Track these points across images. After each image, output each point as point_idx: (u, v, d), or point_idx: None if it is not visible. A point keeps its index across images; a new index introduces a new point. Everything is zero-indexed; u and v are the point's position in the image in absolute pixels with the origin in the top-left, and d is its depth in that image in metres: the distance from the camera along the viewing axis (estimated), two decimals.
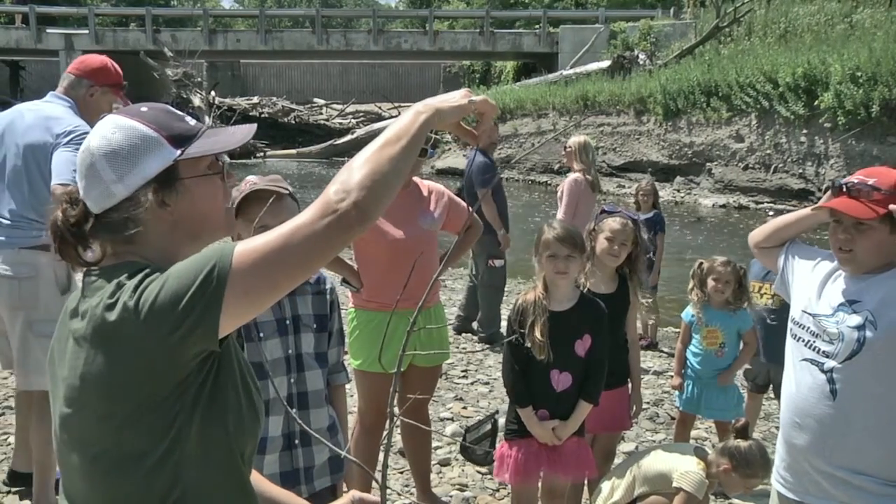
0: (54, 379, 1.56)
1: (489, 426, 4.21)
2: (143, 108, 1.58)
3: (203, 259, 1.39)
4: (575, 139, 7.46)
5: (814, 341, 2.50)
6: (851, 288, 2.46)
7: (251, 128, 1.67)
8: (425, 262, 3.94)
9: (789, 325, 2.65)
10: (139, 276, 1.43)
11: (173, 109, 1.62)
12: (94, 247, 1.54)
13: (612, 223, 3.80)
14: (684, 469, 3.51)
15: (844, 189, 2.42)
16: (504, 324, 6.50)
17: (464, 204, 4.23)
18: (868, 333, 2.37)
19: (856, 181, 2.41)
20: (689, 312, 4.63)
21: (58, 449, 1.58)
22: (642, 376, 6.47)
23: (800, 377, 2.54)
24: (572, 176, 7.16)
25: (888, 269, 2.43)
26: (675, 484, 3.49)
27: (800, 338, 2.57)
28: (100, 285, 1.48)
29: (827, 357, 2.45)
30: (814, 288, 2.58)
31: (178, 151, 1.55)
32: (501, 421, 4.23)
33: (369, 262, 3.88)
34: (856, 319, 2.40)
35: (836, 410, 2.43)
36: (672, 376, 6.52)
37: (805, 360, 2.53)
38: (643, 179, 9.58)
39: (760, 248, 2.84)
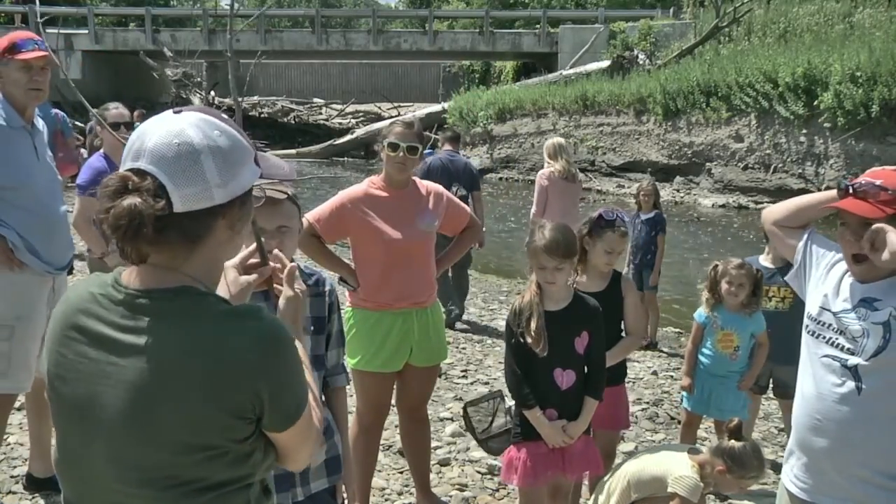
0: (85, 402, 1.50)
1: (494, 413, 4.18)
2: (225, 116, 1.55)
3: (302, 406, 1.57)
4: (548, 142, 7.93)
5: (836, 338, 2.45)
6: (869, 287, 2.42)
7: (290, 164, 1.73)
8: (423, 262, 3.95)
9: (805, 322, 2.59)
10: (258, 330, 1.48)
11: None
12: None
13: (613, 236, 3.83)
14: (679, 473, 3.49)
15: (850, 191, 2.39)
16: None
17: (463, 205, 4.23)
18: (895, 329, 2.33)
19: (862, 182, 2.38)
20: (702, 314, 4.57)
21: (80, 471, 1.55)
22: (642, 376, 6.49)
23: (821, 375, 2.49)
24: (540, 172, 7.64)
25: None
26: (669, 489, 3.47)
27: (819, 335, 2.51)
28: (162, 311, 1.46)
29: (851, 354, 2.41)
30: (831, 285, 2.53)
31: (259, 170, 1.56)
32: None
33: (367, 262, 3.88)
34: (881, 315, 2.36)
35: (862, 407, 2.39)
36: (673, 376, 6.54)
37: (826, 356, 2.48)
38: (644, 180, 9.62)
39: (780, 227, 2.72)
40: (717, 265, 4.55)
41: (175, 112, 1.51)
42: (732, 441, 3.50)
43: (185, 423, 1.43)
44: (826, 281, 2.56)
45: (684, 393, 4.65)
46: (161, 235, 1.44)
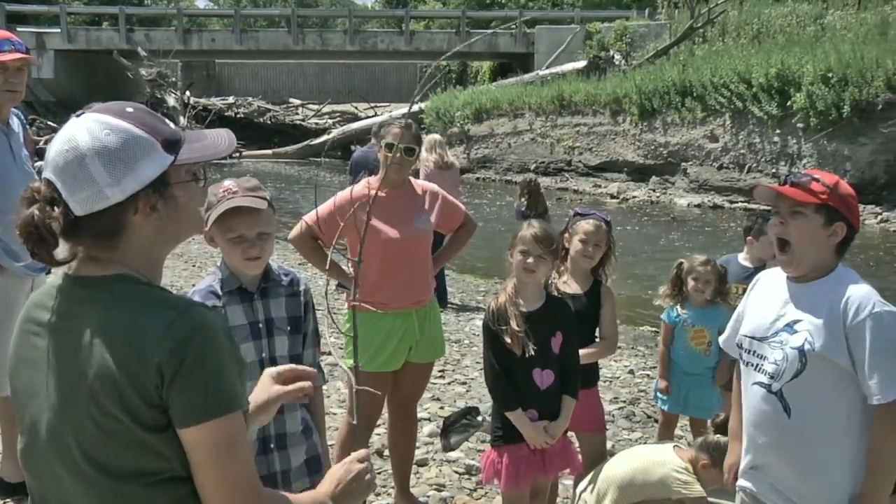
0: (31, 389, 1.54)
1: (466, 422, 4.22)
2: (129, 109, 1.54)
3: (232, 402, 1.48)
4: (426, 139, 8.80)
5: (761, 363, 2.59)
6: (794, 304, 2.54)
7: (231, 135, 1.67)
8: (421, 261, 3.96)
9: (738, 350, 2.75)
10: (179, 314, 1.46)
11: (152, 111, 1.60)
12: (62, 246, 1.51)
13: (586, 225, 3.85)
14: (681, 478, 3.53)
15: (789, 181, 2.55)
16: None
17: (458, 203, 4.25)
18: (809, 353, 2.45)
19: (801, 173, 2.56)
20: (671, 314, 4.59)
21: (34, 458, 1.56)
22: (619, 375, 6.53)
23: (754, 402, 2.64)
24: (423, 165, 8.61)
25: (825, 276, 2.53)
26: (678, 497, 3.52)
27: (748, 362, 2.67)
28: (94, 297, 1.49)
29: (773, 379, 2.54)
30: (756, 310, 2.68)
31: (171, 157, 1.54)
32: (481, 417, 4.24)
33: (365, 262, 3.88)
34: (796, 340, 2.48)
35: (792, 426, 2.52)
36: (649, 375, 6.57)
37: (755, 383, 2.61)
38: (526, 175, 10.37)
39: None
40: (681, 262, 4.58)
41: (77, 115, 1.54)
42: (718, 436, 3.54)
43: (99, 404, 1.44)
44: (753, 305, 2.71)
45: (659, 394, 4.67)
46: (75, 238, 1.50)
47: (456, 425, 4.25)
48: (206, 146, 1.61)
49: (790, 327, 2.52)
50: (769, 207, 2.68)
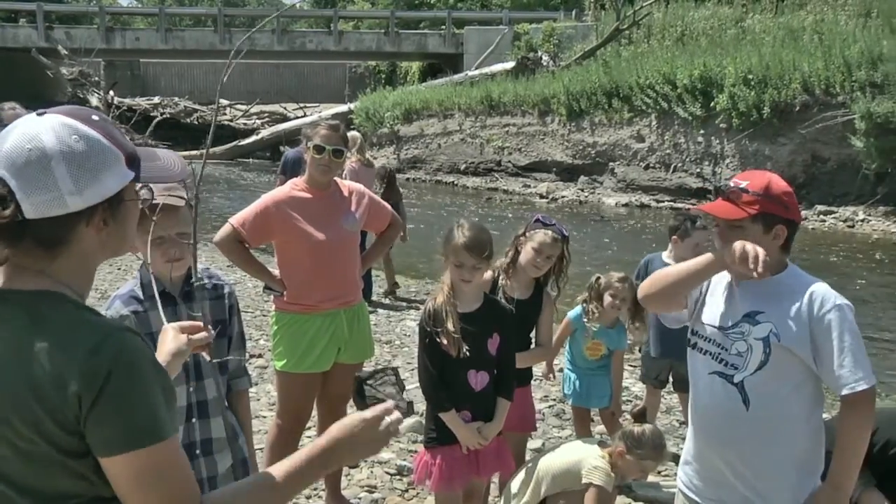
0: None
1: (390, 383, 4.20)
2: (95, 117, 1.49)
3: (156, 433, 1.42)
4: (349, 136, 8.93)
5: (721, 353, 2.55)
6: (752, 297, 2.52)
7: (183, 161, 1.66)
8: (348, 262, 3.94)
9: (691, 337, 2.68)
10: (101, 337, 1.40)
11: (114, 122, 1.56)
12: None
13: (544, 237, 3.82)
14: (591, 464, 3.57)
15: (722, 191, 2.53)
16: None
17: (385, 204, 4.26)
18: (774, 344, 2.44)
19: (731, 185, 2.53)
20: (578, 314, 4.58)
21: None
22: (551, 376, 6.58)
23: (709, 390, 2.59)
24: (348, 162, 8.74)
25: (779, 273, 2.51)
26: (584, 480, 3.54)
27: (706, 351, 2.60)
28: (15, 315, 1.42)
29: (736, 369, 2.51)
30: (716, 300, 2.62)
31: (133, 173, 1.51)
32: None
33: (293, 265, 3.87)
34: (761, 331, 2.47)
35: (751, 419, 2.49)
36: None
37: (714, 373, 2.57)
38: (383, 164, 10.81)
39: (655, 304, 2.77)
40: (598, 277, 4.58)
41: (39, 114, 1.47)
42: (635, 425, 3.62)
43: (15, 429, 1.39)
44: (710, 295, 2.65)
45: (566, 391, 4.74)
46: (17, 241, 1.43)
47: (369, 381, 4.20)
48: (162, 167, 1.61)
49: (751, 318, 2.49)
50: (693, 206, 2.69)
